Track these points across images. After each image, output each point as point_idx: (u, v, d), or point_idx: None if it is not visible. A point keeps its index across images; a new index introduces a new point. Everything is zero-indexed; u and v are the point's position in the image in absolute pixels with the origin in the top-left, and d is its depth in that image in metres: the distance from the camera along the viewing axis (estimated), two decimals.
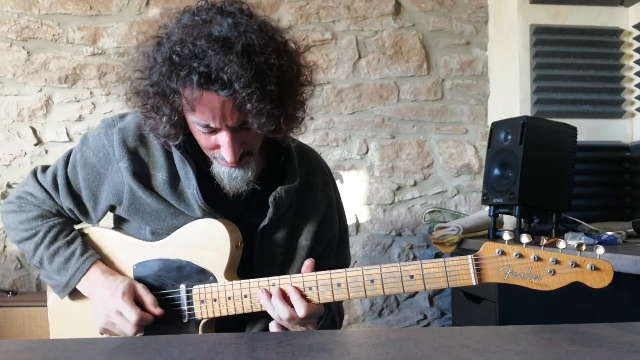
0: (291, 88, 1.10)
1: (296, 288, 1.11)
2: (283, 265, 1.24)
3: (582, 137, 2.46)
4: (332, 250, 1.34)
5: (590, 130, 2.72)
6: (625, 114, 2.78)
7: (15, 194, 1.31)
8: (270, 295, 1.12)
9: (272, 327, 1.15)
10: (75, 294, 1.26)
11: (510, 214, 2.33)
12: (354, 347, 0.78)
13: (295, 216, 1.26)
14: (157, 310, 1.18)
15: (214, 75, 1.00)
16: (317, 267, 1.14)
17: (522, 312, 2.08)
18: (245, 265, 1.21)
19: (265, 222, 1.21)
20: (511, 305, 2.10)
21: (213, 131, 1.09)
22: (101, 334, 1.23)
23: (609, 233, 2.11)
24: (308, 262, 1.15)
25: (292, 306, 1.10)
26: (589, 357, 0.67)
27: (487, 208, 2.46)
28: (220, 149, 1.11)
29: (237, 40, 1.02)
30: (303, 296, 1.11)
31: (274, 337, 0.80)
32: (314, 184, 1.30)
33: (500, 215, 2.44)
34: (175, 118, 1.09)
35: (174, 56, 1.02)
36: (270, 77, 1.04)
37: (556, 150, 2.33)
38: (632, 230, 2.34)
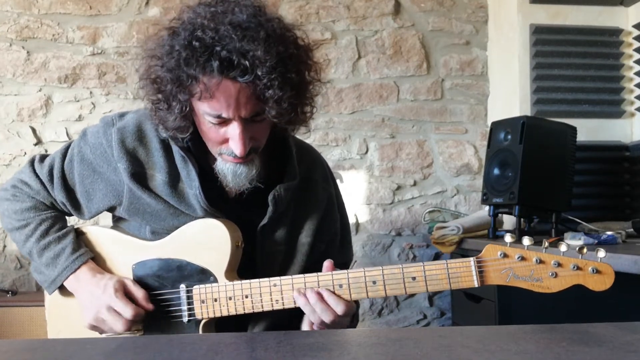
0: (306, 80, 1.12)
1: (329, 290, 1.10)
2: (284, 263, 1.24)
3: (581, 137, 2.46)
4: (335, 248, 1.34)
5: (590, 130, 2.72)
6: (625, 113, 2.78)
7: (11, 181, 1.30)
8: (307, 298, 1.11)
9: (305, 328, 1.15)
10: (71, 293, 1.25)
11: (510, 213, 2.33)
12: (353, 346, 0.78)
13: (295, 214, 1.26)
14: (150, 306, 1.18)
15: (236, 60, 1.00)
16: (320, 265, 1.14)
17: (521, 312, 2.08)
18: (247, 264, 1.21)
19: (264, 220, 1.21)
20: (511, 304, 2.10)
21: (223, 122, 1.08)
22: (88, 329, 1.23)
23: (609, 233, 2.11)
24: (327, 264, 1.13)
25: (331, 307, 1.10)
26: (588, 357, 0.67)
27: (486, 208, 2.46)
28: (229, 142, 1.10)
29: (260, 28, 1.03)
30: (337, 295, 1.10)
31: (274, 337, 0.80)
32: (314, 182, 1.30)
33: (499, 215, 2.44)
34: (187, 109, 1.08)
35: (194, 42, 1.02)
36: (290, 66, 1.05)
37: (556, 150, 2.33)
38: (632, 230, 2.34)
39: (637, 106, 2.74)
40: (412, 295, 2.96)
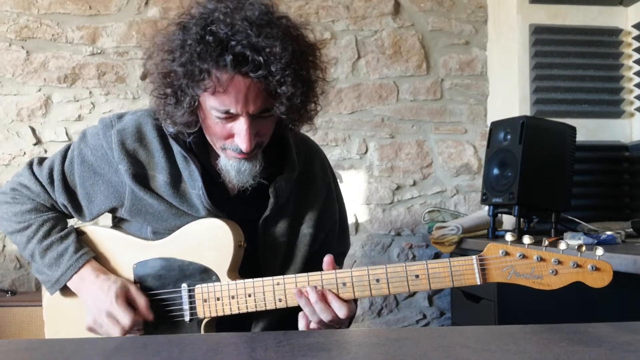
0: (314, 78, 1.13)
1: (333, 293, 1.10)
2: (287, 255, 1.24)
3: (581, 137, 2.46)
4: (334, 238, 1.35)
5: (590, 130, 2.72)
6: (624, 113, 2.78)
7: (10, 185, 1.29)
8: (308, 298, 1.10)
9: (302, 327, 1.13)
10: (70, 293, 1.25)
11: (509, 213, 2.33)
12: (353, 346, 0.78)
13: (296, 205, 1.26)
14: (150, 316, 1.18)
15: (250, 56, 1.01)
16: (320, 254, 1.14)
17: (521, 312, 2.08)
18: (250, 261, 1.21)
19: (266, 212, 1.21)
20: (510, 305, 2.10)
21: (230, 118, 1.08)
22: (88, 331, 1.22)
23: (608, 233, 2.11)
24: (327, 259, 1.12)
25: (332, 308, 1.09)
26: (588, 357, 0.67)
27: (486, 208, 2.46)
28: (235, 138, 1.10)
29: (273, 25, 1.04)
30: (340, 298, 1.10)
31: (274, 337, 0.80)
32: (313, 173, 1.31)
33: (499, 215, 2.44)
34: (196, 104, 1.08)
35: (207, 36, 1.02)
36: (302, 64, 1.06)
37: (555, 150, 2.33)
38: (631, 229, 2.34)
39: (637, 106, 2.75)
40: (412, 295, 2.96)
